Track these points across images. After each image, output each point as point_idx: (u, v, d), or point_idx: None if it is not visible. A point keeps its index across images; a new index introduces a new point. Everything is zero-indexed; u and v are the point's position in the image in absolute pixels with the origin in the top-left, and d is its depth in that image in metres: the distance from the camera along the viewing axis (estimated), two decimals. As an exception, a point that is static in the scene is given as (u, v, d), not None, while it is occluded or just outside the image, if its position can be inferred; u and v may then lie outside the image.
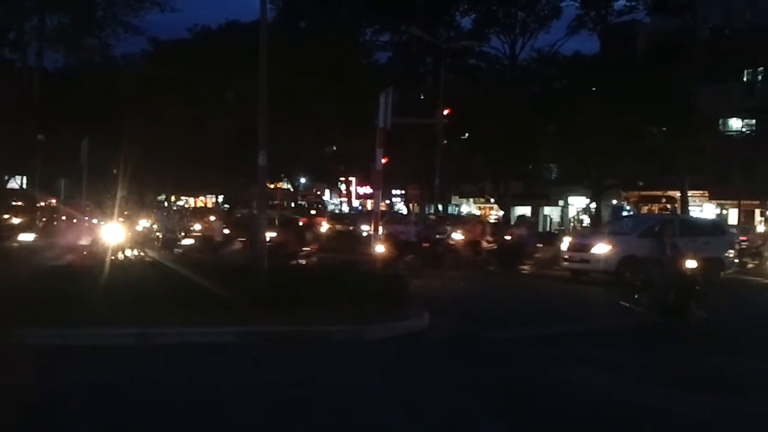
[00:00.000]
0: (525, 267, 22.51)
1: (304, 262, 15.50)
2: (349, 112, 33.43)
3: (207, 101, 33.46)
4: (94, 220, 25.27)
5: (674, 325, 11.83)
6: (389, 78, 33.78)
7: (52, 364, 8.16)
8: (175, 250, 16.49)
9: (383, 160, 18.09)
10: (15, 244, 17.06)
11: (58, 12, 29.69)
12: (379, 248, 19.99)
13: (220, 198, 60.75)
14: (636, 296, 13.02)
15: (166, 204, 52.05)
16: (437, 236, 24.98)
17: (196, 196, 66.84)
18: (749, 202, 42.80)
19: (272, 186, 43.78)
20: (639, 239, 20.75)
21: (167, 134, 34.16)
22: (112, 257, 13.07)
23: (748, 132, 44.78)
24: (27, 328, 9.16)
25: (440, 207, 40.67)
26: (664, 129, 40.44)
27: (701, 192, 44.80)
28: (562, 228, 49.89)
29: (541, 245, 27.43)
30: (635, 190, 47.47)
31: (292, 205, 43.99)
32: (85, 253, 15.71)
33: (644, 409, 7.30)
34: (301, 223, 28.49)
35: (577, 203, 52.89)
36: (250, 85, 14.86)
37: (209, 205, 61.86)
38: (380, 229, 19.22)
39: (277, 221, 23.36)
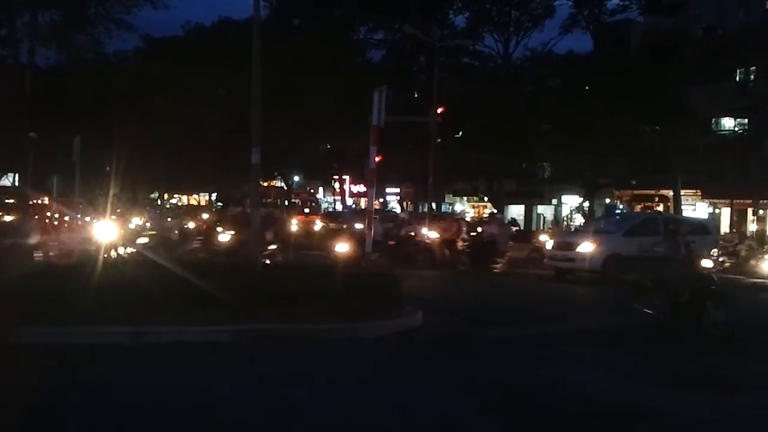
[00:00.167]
0: (497, 266, 21.86)
1: (267, 261, 15.13)
2: (342, 110, 33.40)
3: (200, 99, 33.38)
4: (87, 218, 25.20)
5: (689, 327, 11.47)
6: (383, 76, 33.75)
7: (46, 363, 8.13)
8: (128, 250, 16.17)
9: (377, 158, 18.11)
10: (8, 242, 16.94)
11: (51, 9, 29.48)
12: (342, 247, 19.79)
13: (214, 196, 60.68)
14: (642, 296, 12.54)
15: (159, 202, 51.96)
16: (406, 234, 24.55)
17: (189, 193, 66.78)
18: (742, 201, 42.92)
19: (266, 184, 43.80)
20: (624, 237, 20.92)
21: (160, 132, 34.12)
22: (106, 255, 13.03)
23: (740, 131, 44.86)
24: (21, 327, 9.12)
25: (434, 205, 40.64)
26: (657, 128, 40.57)
27: (694, 191, 44.91)
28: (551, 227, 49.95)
29: (512, 243, 27.16)
30: (628, 189, 47.56)
31: (286, 203, 43.92)
32: (77, 251, 15.62)
33: (638, 409, 7.30)
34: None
35: (571, 202, 52.97)
36: (244, 83, 14.82)
37: (202, 203, 61.80)
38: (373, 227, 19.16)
39: (238, 218, 23.19)
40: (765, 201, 42.22)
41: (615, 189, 48.05)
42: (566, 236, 24.61)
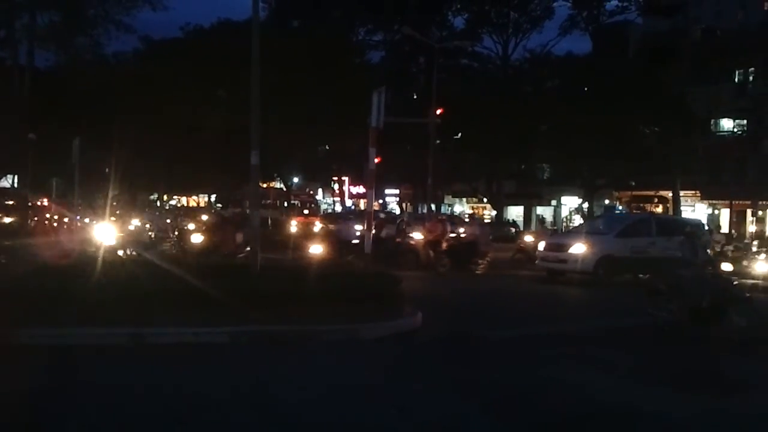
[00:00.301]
0: (478, 267, 21.47)
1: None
2: (341, 112, 33.44)
3: (199, 100, 33.40)
4: (86, 220, 25.21)
5: (708, 332, 11.07)
6: (382, 77, 33.81)
7: (45, 364, 8.12)
8: (127, 251, 16.12)
9: (376, 160, 18.08)
10: (8, 243, 16.96)
11: (50, 10, 29.52)
12: (316, 248, 19.53)
13: (213, 197, 60.69)
14: (656, 299, 12.04)
15: (158, 203, 51.98)
16: (383, 235, 23.95)
17: (188, 195, 66.79)
18: (741, 202, 42.95)
19: (265, 185, 43.82)
20: (616, 239, 20.75)
21: (159, 133, 34.11)
22: (105, 256, 13.02)
23: (739, 132, 44.92)
24: (19, 328, 9.11)
25: (433, 206, 40.66)
26: (656, 129, 40.62)
27: (693, 192, 44.96)
28: (555, 227, 49.99)
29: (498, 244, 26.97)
30: (627, 190, 47.61)
31: (285, 204, 43.95)
32: (76, 252, 15.62)
33: (639, 411, 7.29)
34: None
35: (570, 203, 53.03)
36: (243, 84, 14.83)
37: (202, 205, 61.82)
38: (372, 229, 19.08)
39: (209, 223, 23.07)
40: (764, 202, 42.26)
41: (614, 190, 48.12)
42: (558, 237, 24.43)
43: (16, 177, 38.34)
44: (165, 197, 57.90)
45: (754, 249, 25.66)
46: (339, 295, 11.00)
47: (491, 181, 48.89)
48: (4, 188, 42.32)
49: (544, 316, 14.24)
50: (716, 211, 46.27)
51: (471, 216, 32.32)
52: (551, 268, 21.15)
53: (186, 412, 6.66)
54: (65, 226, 24.10)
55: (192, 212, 44.75)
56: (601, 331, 12.24)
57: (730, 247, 26.10)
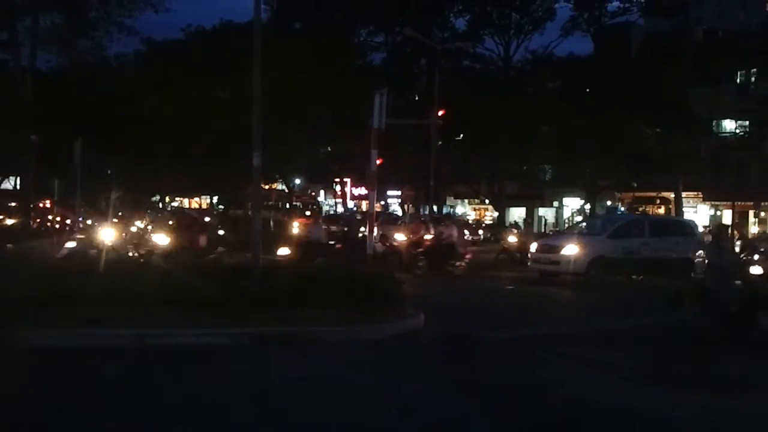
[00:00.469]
0: (456, 269, 20.80)
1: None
2: (343, 113, 33.41)
3: (201, 102, 33.40)
4: (89, 221, 25.23)
5: (738, 337, 10.77)
6: (384, 79, 33.80)
7: (46, 366, 8.13)
8: (60, 253, 15.97)
9: (378, 161, 18.10)
10: (10, 246, 16.98)
11: (52, 12, 29.51)
12: (284, 251, 19.26)
13: (215, 199, 60.70)
14: (682, 304, 11.71)
15: (160, 205, 52.01)
16: (362, 237, 23.39)
17: (190, 197, 66.79)
18: (743, 203, 42.90)
19: (267, 187, 43.82)
20: (609, 240, 20.62)
21: (161, 135, 34.11)
22: (107, 258, 13.04)
23: (741, 133, 44.86)
24: (21, 330, 9.12)
25: (435, 208, 40.65)
26: (657, 130, 40.56)
27: (695, 193, 44.91)
28: (557, 228, 49.92)
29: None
30: (629, 192, 47.55)
31: (287, 206, 43.96)
32: (78, 254, 15.63)
33: (638, 411, 7.29)
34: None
35: (572, 204, 52.98)
36: (244, 86, 14.83)
37: (204, 206, 61.81)
38: (375, 231, 18.99)
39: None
40: (766, 203, 42.21)
41: (616, 191, 48.05)
42: (550, 239, 24.18)
43: (18, 179, 38.36)
44: (167, 199, 57.93)
45: (762, 250, 25.53)
46: (341, 296, 11.01)
47: (493, 183, 48.86)
48: (7, 190, 42.36)
49: (542, 317, 14.26)
50: (718, 212, 46.21)
51: (447, 216, 31.85)
52: (544, 270, 20.91)
53: (187, 414, 6.67)
54: (67, 228, 24.12)
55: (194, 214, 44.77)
56: (601, 332, 12.23)
57: (762, 249, 25.82)
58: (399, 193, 56.72)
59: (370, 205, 18.50)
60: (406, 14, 45.75)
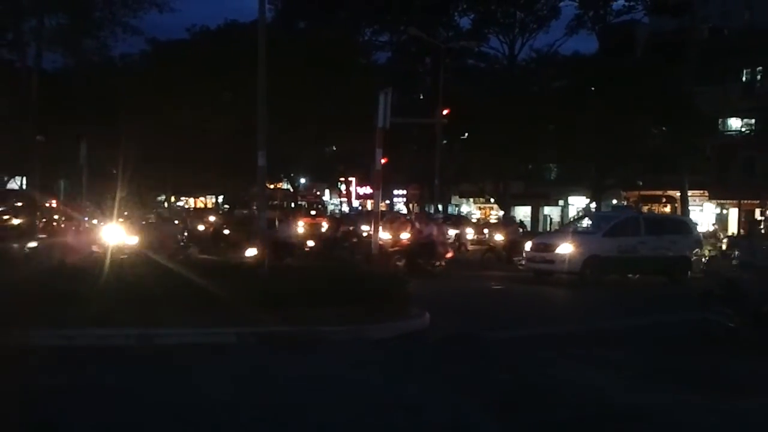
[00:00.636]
0: (436, 269, 20.40)
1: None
2: (348, 112, 33.39)
3: (206, 101, 33.43)
4: (94, 221, 25.27)
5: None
6: (388, 78, 33.76)
7: (52, 365, 8.15)
8: (26, 248, 15.84)
9: (383, 160, 18.09)
10: (15, 245, 17.00)
11: (57, 12, 29.58)
12: (251, 251, 18.98)
13: (220, 198, 60.76)
14: (710, 304, 11.24)
15: (165, 204, 52.07)
16: (338, 236, 23.49)
17: (196, 196, 66.83)
18: (749, 201, 42.78)
19: (272, 186, 43.81)
20: (604, 238, 20.41)
21: (166, 135, 34.14)
22: (113, 257, 13.06)
23: (747, 132, 44.75)
24: (28, 329, 9.14)
25: (440, 207, 40.61)
26: (663, 129, 40.44)
27: (701, 192, 44.79)
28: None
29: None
30: (635, 190, 47.44)
31: (292, 205, 43.91)
32: (88, 253, 15.63)
33: (642, 410, 7.28)
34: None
35: (578, 203, 52.87)
36: (249, 86, 14.84)
37: (209, 206, 61.89)
38: (380, 230, 18.90)
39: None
40: (772, 201, 42.05)
41: (622, 190, 47.93)
42: (545, 237, 23.95)
43: (24, 179, 38.45)
44: (173, 198, 58.00)
45: None
46: (347, 295, 11.01)
47: (498, 182, 48.77)
48: (13, 190, 42.45)
49: (542, 316, 14.27)
50: (725, 211, 46.11)
51: (428, 215, 31.42)
52: (538, 269, 20.72)
53: (194, 413, 6.68)
54: (73, 228, 24.13)
55: (200, 213, 44.84)
56: (601, 332, 12.23)
57: (708, 246, 25.31)
58: (404, 192, 56.84)
59: (375, 204, 18.49)
60: (411, 13, 45.72)
